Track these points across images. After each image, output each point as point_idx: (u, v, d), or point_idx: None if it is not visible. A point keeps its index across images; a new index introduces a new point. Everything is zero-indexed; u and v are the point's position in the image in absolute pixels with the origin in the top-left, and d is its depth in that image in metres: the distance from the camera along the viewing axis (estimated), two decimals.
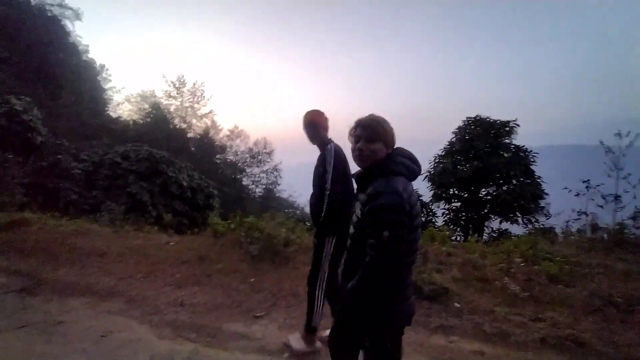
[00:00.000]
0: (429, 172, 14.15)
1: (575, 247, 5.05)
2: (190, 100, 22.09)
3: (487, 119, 12.06)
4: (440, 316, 2.75)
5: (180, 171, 17.08)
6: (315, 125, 2.34)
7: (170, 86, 21.35)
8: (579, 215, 6.00)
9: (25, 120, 11.03)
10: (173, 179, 16.17)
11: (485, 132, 11.84)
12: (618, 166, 5.67)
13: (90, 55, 22.04)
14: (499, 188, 12.03)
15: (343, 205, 2.09)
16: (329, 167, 2.18)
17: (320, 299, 2.24)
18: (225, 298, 3.08)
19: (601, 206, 5.78)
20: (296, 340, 2.32)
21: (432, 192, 14.85)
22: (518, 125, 11.62)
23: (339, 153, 2.23)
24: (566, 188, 6.87)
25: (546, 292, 3.17)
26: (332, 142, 2.32)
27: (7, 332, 2.49)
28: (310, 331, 2.28)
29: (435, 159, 14.59)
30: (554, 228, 8.91)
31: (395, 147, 1.42)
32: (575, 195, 6.36)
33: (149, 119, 20.93)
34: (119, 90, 19.50)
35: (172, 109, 22.36)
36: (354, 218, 1.42)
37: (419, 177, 1.45)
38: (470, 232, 12.32)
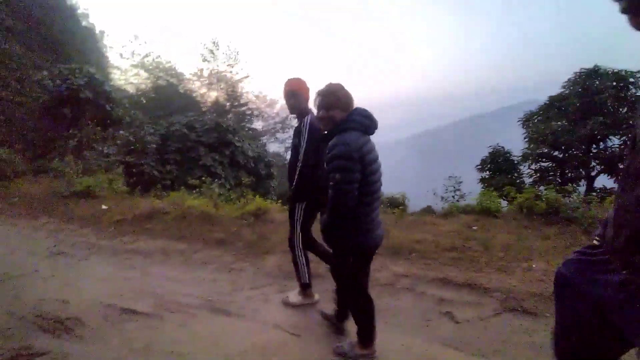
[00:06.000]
0: (528, 135, 13.46)
1: None
2: (225, 63, 19.89)
3: (610, 70, 11.19)
4: None
5: (243, 140, 15.80)
6: (295, 94, 2.32)
7: (205, 49, 19.09)
8: None
9: (107, 90, 9.36)
10: (240, 149, 14.92)
11: (608, 84, 11.01)
12: None
13: (91, 20, 18.71)
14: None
15: (314, 175, 2.22)
16: (303, 140, 2.25)
17: (300, 257, 2.44)
18: None
19: None
20: (294, 296, 2.54)
21: (522, 152, 14.29)
22: None
23: (314, 124, 2.24)
24: None
25: None
26: (311, 112, 2.31)
27: None
28: (304, 287, 2.50)
29: (530, 117, 13.85)
30: None
31: (355, 107, 1.73)
32: None
33: (163, 87, 18.54)
34: (125, 57, 16.77)
35: (205, 73, 20.11)
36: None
37: None
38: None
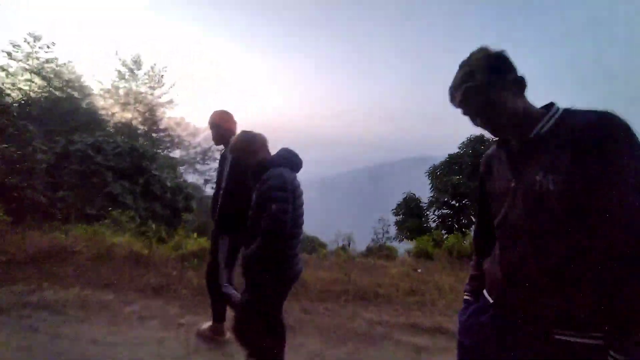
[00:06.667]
0: (433, 185, 15.59)
1: None
2: (148, 84, 18.12)
3: (490, 140, 14.09)
4: None
5: (162, 168, 14.31)
6: (218, 126, 2.29)
7: (123, 66, 17.16)
8: None
9: None
10: (157, 178, 13.43)
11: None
12: None
13: None
14: None
15: (239, 206, 2.02)
16: (226, 166, 2.24)
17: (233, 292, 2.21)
18: None
19: None
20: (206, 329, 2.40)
21: (429, 199, 16.39)
22: None
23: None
24: None
25: None
26: None
27: None
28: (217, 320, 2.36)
29: (434, 170, 16.14)
30: None
31: (282, 147, 1.85)
32: None
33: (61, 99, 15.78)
34: (17, 59, 13.69)
35: (121, 92, 17.93)
36: (252, 203, 1.72)
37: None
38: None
